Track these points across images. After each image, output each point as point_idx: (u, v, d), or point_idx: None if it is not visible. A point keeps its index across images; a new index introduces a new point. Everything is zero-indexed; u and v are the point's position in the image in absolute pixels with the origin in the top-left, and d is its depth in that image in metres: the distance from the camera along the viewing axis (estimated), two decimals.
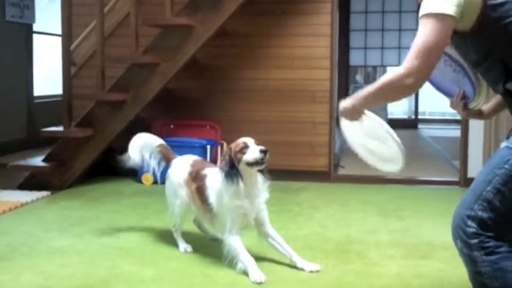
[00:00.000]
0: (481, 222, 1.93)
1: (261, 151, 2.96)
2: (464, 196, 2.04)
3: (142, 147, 3.60)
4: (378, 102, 2.19)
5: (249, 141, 3.03)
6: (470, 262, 1.97)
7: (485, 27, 1.96)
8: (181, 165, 3.42)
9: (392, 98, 2.13)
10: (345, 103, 2.23)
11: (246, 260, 2.97)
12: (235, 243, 3.02)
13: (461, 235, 1.97)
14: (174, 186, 3.40)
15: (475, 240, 1.93)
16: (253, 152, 2.97)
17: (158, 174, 3.66)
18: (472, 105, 2.34)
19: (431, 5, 1.93)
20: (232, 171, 2.98)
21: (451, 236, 2.04)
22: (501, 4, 1.93)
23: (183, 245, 3.42)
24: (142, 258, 3.28)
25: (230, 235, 3.04)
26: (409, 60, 1.99)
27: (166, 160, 3.58)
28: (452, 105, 2.37)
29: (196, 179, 3.27)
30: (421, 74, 1.99)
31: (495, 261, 1.92)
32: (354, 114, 2.24)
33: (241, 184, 3.00)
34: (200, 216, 3.37)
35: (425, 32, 1.94)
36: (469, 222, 1.95)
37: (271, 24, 5.63)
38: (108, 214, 4.26)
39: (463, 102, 2.33)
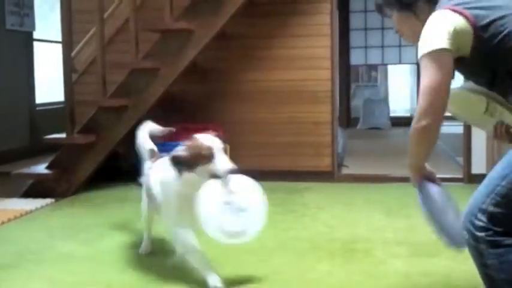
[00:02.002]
0: (491, 216, 1.94)
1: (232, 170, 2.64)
2: (478, 190, 2.04)
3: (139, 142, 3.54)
4: (421, 154, 2.18)
5: (215, 144, 2.70)
6: (477, 254, 1.98)
7: (482, 49, 2.00)
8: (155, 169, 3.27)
9: (425, 144, 2.12)
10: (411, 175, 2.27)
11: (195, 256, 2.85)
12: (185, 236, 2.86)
13: (469, 227, 1.98)
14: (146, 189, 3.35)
15: (482, 234, 1.94)
16: (223, 163, 2.66)
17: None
18: None
19: (425, 45, 2.00)
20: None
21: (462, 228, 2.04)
22: (489, 23, 1.97)
23: None
24: (149, 263, 3.27)
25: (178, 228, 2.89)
26: (419, 104, 2.03)
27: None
28: (497, 137, 2.33)
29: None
30: (434, 111, 2.02)
31: (501, 254, 1.93)
32: (417, 175, 2.26)
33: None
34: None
35: (426, 73, 2.00)
36: (479, 215, 1.96)
37: (270, 25, 5.63)
38: (113, 219, 4.25)
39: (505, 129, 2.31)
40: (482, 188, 2.01)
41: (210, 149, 2.66)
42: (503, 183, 1.94)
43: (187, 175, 2.70)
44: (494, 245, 1.93)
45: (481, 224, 1.95)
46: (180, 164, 2.69)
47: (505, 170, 1.96)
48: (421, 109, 2.01)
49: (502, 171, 1.97)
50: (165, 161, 3.08)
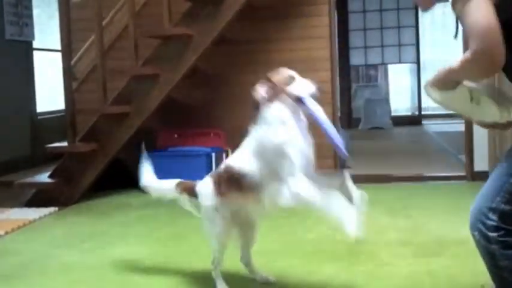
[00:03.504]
0: (502, 215, 1.89)
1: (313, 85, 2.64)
2: (484, 189, 1.99)
3: (158, 192, 3.19)
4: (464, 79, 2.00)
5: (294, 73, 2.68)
6: (488, 255, 1.94)
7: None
8: (204, 186, 2.87)
9: (476, 76, 1.94)
10: (436, 73, 2.05)
11: (337, 204, 2.54)
12: (306, 185, 2.51)
13: (480, 227, 1.93)
14: (207, 212, 2.81)
15: (495, 234, 1.89)
16: (303, 83, 2.65)
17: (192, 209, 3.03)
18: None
19: None
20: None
21: (469, 229, 1.99)
22: None
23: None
24: (153, 270, 3.27)
25: (296, 180, 2.51)
26: (473, 42, 1.79)
27: (192, 193, 2.95)
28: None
29: (221, 179, 2.76)
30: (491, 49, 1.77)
31: None
32: (441, 84, 2.04)
33: (288, 113, 2.59)
34: (249, 209, 2.77)
35: (474, 14, 1.79)
36: (490, 215, 1.90)
37: (270, 28, 5.64)
38: (116, 227, 4.26)
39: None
40: (489, 187, 1.96)
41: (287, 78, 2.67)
42: (510, 179, 1.89)
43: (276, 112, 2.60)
44: (507, 246, 1.88)
45: (492, 223, 1.90)
46: (259, 106, 2.64)
47: (510, 166, 1.92)
48: (477, 47, 1.77)
49: (509, 168, 1.92)
50: (205, 179, 2.88)
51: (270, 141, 2.57)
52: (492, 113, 2.05)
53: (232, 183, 2.68)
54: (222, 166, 2.82)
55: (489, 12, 1.77)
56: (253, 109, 2.67)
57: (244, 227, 2.87)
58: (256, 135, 2.66)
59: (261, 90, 2.66)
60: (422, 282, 2.88)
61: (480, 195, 1.98)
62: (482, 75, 1.93)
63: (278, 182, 2.55)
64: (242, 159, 2.68)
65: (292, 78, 2.67)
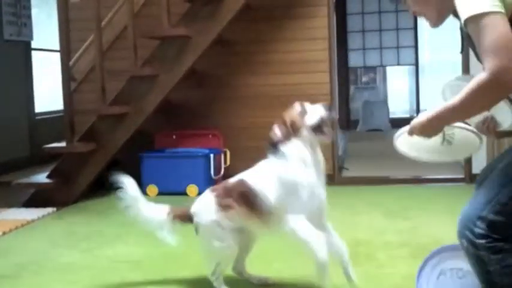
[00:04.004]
0: (490, 224, 1.89)
1: (325, 108, 2.67)
2: (475, 196, 2.00)
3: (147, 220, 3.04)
4: (467, 115, 1.96)
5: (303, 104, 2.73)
6: (478, 262, 1.94)
7: None
8: (203, 202, 2.86)
9: (488, 102, 1.84)
10: (420, 119, 2.02)
11: (320, 255, 2.60)
12: (305, 227, 2.60)
13: (467, 235, 1.93)
14: (208, 228, 2.79)
15: (482, 241, 1.89)
16: (315, 111, 2.68)
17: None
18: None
19: (478, 4, 1.75)
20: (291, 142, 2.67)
21: (457, 235, 2.01)
22: None
23: None
24: (151, 270, 3.27)
25: (297, 219, 2.61)
26: (492, 61, 1.71)
27: (186, 218, 2.96)
28: (483, 131, 2.20)
29: (227, 193, 2.76)
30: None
31: (503, 259, 1.89)
32: (431, 131, 2.02)
33: (306, 152, 2.66)
34: (253, 227, 2.79)
35: (490, 30, 1.72)
36: (478, 223, 1.90)
37: (268, 30, 5.64)
38: (114, 228, 4.25)
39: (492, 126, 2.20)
40: (481, 195, 1.96)
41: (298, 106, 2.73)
42: (505, 190, 1.89)
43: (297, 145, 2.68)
44: (495, 250, 1.88)
45: (480, 231, 1.89)
46: (277, 144, 2.70)
47: (506, 178, 1.91)
48: (499, 63, 1.69)
49: (503, 178, 1.92)
50: (203, 197, 2.87)
51: (286, 176, 2.64)
52: (470, 146, 2.14)
53: (243, 199, 2.69)
54: (234, 180, 2.80)
55: (508, 28, 1.73)
56: (271, 148, 2.74)
57: (244, 240, 2.86)
58: (275, 167, 2.70)
59: (277, 131, 2.73)
60: None
61: (470, 203, 1.98)
62: (502, 95, 1.84)
63: (283, 214, 2.62)
64: (258, 180, 2.71)
65: (304, 111, 2.70)
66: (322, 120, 2.67)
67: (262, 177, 2.72)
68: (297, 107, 2.74)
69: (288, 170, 2.63)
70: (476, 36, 1.76)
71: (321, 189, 2.73)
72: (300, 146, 2.66)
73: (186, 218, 2.92)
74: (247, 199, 2.68)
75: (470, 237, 1.92)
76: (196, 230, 2.86)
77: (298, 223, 2.59)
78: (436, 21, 2.05)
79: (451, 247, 2.50)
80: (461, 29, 2.04)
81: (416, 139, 2.10)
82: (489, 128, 2.19)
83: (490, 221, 1.89)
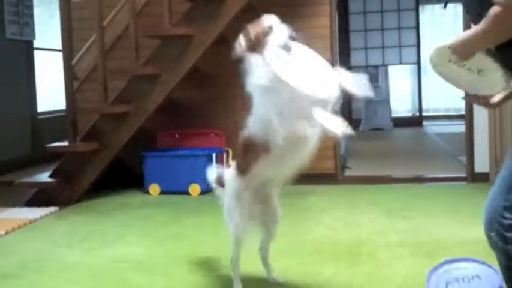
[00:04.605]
0: None
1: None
2: (495, 188, 1.95)
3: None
4: (490, 42, 1.87)
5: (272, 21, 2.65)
6: (505, 256, 1.89)
7: None
8: (230, 170, 2.84)
9: (504, 30, 1.79)
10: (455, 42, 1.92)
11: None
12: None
13: (497, 228, 1.88)
14: (230, 195, 2.76)
15: None
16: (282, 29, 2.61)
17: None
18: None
19: None
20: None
21: (484, 229, 1.95)
22: None
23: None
24: (153, 270, 3.27)
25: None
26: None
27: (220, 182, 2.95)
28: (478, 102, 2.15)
29: (239, 156, 2.74)
30: None
31: None
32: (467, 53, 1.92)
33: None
34: (270, 176, 2.74)
35: None
36: (506, 214, 1.86)
37: None
38: (116, 227, 4.26)
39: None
40: (499, 187, 1.92)
41: (266, 27, 2.64)
42: None
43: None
44: None
45: (510, 222, 1.85)
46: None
47: None
48: None
49: None
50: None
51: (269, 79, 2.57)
52: (498, 82, 1.95)
53: (248, 153, 2.62)
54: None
55: None
56: (239, 62, 2.65)
57: (266, 216, 2.83)
58: (252, 83, 2.65)
59: (241, 43, 2.69)
60: (421, 283, 2.88)
61: (492, 195, 1.94)
62: None
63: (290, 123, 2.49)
64: (248, 125, 2.63)
65: (270, 29, 2.65)
66: (290, 39, 2.60)
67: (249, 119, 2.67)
68: (264, 20, 2.74)
69: (267, 73, 2.58)
70: None
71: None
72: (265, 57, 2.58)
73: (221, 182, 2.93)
74: (250, 150, 2.61)
75: (500, 230, 1.88)
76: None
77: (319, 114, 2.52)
78: None
79: (448, 260, 2.51)
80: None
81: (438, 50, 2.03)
82: (484, 100, 2.10)
83: None
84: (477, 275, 2.24)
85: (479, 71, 1.95)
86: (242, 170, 2.67)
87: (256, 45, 2.63)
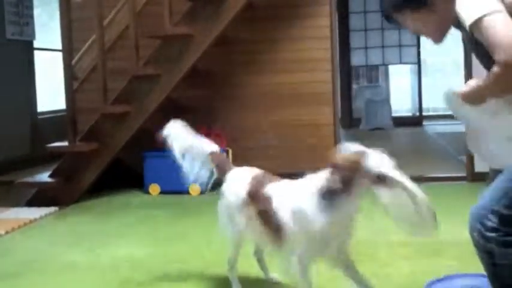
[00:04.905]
0: (503, 218, 1.91)
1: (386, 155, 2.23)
2: (488, 191, 2.00)
3: (187, 149, 2.96)
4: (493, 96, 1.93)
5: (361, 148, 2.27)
6: (486, 254, 1.95)
7: None
8: (239, 181, 2.70)
9: (505, 88, 1.88)
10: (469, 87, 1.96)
11: None
12: (305, 275, 2.43)
13: (479, 228, 1.95)
14: (230, 208, 2.70)
15: (493, 234, 1.92)
16: (378, 156, 2.22)
17: (209, 185, 2.95)
18: None
19: (477, 10, 1.84)
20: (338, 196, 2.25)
21: (468, 229, 2.01)
22: None
23: None
24: (153, 270, 3.27)
25: (303, 259, 2.42)
26: (497, 54, 1.80)
27: (220, 172, 2.84)
28: None
29: (257, 199, 2.57)
30: None
31: (511, 253, 1.91)
32: (478, 99, 1.96)
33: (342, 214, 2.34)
34: (264, 245, 2.69)
35: (498, 28, 1.81)
36: (490, 216, 1.92)
37: (270, 29, 5.63)
38: (117, 227, 4.26)
39: None
40: (494, 189, 1.97)
41: (360, 155, 2.23)
42: None
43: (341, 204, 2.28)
44: (505, 244, 1.91)
45: (492, 225, 1.92)
46: (334, 195, 2.24)
47: None
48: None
49: None
50: (243, 174, 2.72)
51: (311, 220, 2.32)
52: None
53: (264, 217, 2.52)
54: (268, 187, 2.56)
55: (508, 23, 1.82)
56: (324, 196, 2.27)
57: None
58: (308, 201, 2.35)
59: (331, 180, 2.24)
60: (422, 283, 2.88)
61: (483, 197, 2.00)
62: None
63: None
64: (286, 206, 2.43)
65: (363, 154, 2.23)
66: (388, 169, 2.21)
67: (291, 202, 2.42)
68: (350, 148, 2.30)
69: (319, 219, 2.30)
70: (483, 38, 1.85)
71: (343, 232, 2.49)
72: (352, 201, 2.31)
73: (222, 172, 2.82)
74: (268, 221, 2.49)
75: (481, 230, 1.94)
76: (220, 195, 2.77)
77: (296, 264, 2.41)
78: (438, 36, 2.09)
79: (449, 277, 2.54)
80: (463, 40, 2.13)
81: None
82: None
83: (503, 215, 1.91)
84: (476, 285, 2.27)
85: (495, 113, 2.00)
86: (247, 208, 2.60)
87: (351, 179, 2.24)
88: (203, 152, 2.91)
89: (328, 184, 2.24)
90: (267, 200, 2.50)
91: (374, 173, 2.20)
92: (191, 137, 2.97)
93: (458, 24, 1.96)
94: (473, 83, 1.96)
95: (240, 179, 2.70)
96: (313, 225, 2.31)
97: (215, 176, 2.87)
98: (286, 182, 2.59)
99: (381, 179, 2.22)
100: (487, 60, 1.91)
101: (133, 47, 4.95)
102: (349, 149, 2.28)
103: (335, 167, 2.25)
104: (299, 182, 2.51)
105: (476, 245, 1.98)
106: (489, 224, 1.92)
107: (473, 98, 1.96)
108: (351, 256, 2.58)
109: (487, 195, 1.99)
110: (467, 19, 1.87)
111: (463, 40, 2.14)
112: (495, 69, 1.82)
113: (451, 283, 2.65)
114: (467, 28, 1.88)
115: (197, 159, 2.92)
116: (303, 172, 2.58)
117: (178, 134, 2.99)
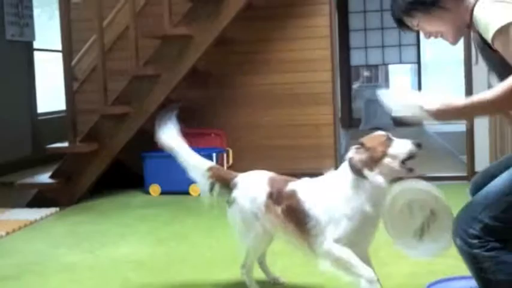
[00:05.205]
0: (485, 228, 1.92)
1: (415, 143, 2.44)
2: (475, 198, 2.02)
3: (183, 164, 3.04)
4: (497, 110, 2.03)
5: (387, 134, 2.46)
6: (471, 259, 1.96)
7: None
8: (252, 187, 2.69)
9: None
10: (434, 105, 1.96)
11: (365, 273, 2.49)
12: (346, 252, 2.47)
13: (461, 234, 1.97)
14: (245, 214, 2.67)
15: (475, 241, 1.93)
16: (402, 143, 2.44)
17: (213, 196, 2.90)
18: None
19: (502, 17, 1.80)
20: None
21: (452, 235, 2.04)
22: None
23: None
24: (153, 270, 3.27)
25: (338, 244, 2.45)
26: None
27: (224, 183, 2.82)
28: None
29: (279, 198, 2.58)
30: None
31: (496, 256, 1.92)
32: (449, 118, 2.00)
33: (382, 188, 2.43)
34: (293, 242, 2.66)
35: None
36: (473, 225, 1.94)
37: (270, 28, 5.64)
38: (117, 227, 4.26)
39: None
40: (481, 198, 1.98)
41: (384, 136, 2.45)
42: (505, 198, 1.91)
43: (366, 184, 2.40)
44: (488, 249, 1.92)
45: (474, 232, 1.93)
46: (359, 169, 2.38)
47: (508, 187, 1.92)
48: None
49: (505, 186, 1.93)
50: (257, 178, 2.72)
51: (340, 206, 2.43)
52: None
53: (292, 215, 2.53)
54: (291, 186, 2.60)
55: None
56: (354, 174, 2.41)
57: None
58: (337, 190, 2.46)
59: (356, 157, 2.41)
60: (423, 282, 2.88)
61: (470, 205, 2.02)
62: None
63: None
64: (313, 199, 2.49)
65: (389, 140, 2.45)
66: (410, 153, 2.45)
67: (319, 195, 2.50)
68: (379, 135, 2.50)
69: (350, 202, 2.43)
70: (507, 47, 1.80)
71: (372, 229, 2.61)
72: (380, 182, 2.42)
73: (225, 184, 2.80)
74: (296, 217, 2.51)
75: (463, 236, 1.96)
76: (229, 202, 2.73)
77: (334, 245, 2.44)
78: (455, 37, 2.07)
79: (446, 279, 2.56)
80: (474, 40, 2.09)
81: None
82: None
83: (487, 224, 1.92)
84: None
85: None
86: (270, 211, 2.61)
87: (375, 160, 2.40)
88: (201, 169, 2.95)
89: (354, 159, 2.40)
90: (294, 197, 2.52)
91: (398, 156, 2.41)
92: (186, 152, 3.05)
93: (470, 25, 1.95)
94: (446, 101, 1.93)
95: (255, 183, 2.69)
96: (352, 208, 2.41)
97: (217, 188, 2.85)
98: (306, 180, 2.63)
99: (405, 167, 2.46)
100: (494, 64, 1.93)
101: (133, 47, 4.95)
102: (379, 136, 2.47)
103: (361, 145, 2.44)
104: (320, 178, 2.58)
105: (460, 250, 2.01)
106: (471, 231, 1.94)
107: (450, 116, 1.95)
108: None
109: (473, 202, 2.01)
110: (491, 28, 1.83)
111: (474, 41, 2.11)
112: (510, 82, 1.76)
113: (451, 285, 2.66)
114: (491, 34, 1.83)
115: (196, 172, 2.96)
116: (303, 172, 2.59)
117: (173, 149, 3.05)
